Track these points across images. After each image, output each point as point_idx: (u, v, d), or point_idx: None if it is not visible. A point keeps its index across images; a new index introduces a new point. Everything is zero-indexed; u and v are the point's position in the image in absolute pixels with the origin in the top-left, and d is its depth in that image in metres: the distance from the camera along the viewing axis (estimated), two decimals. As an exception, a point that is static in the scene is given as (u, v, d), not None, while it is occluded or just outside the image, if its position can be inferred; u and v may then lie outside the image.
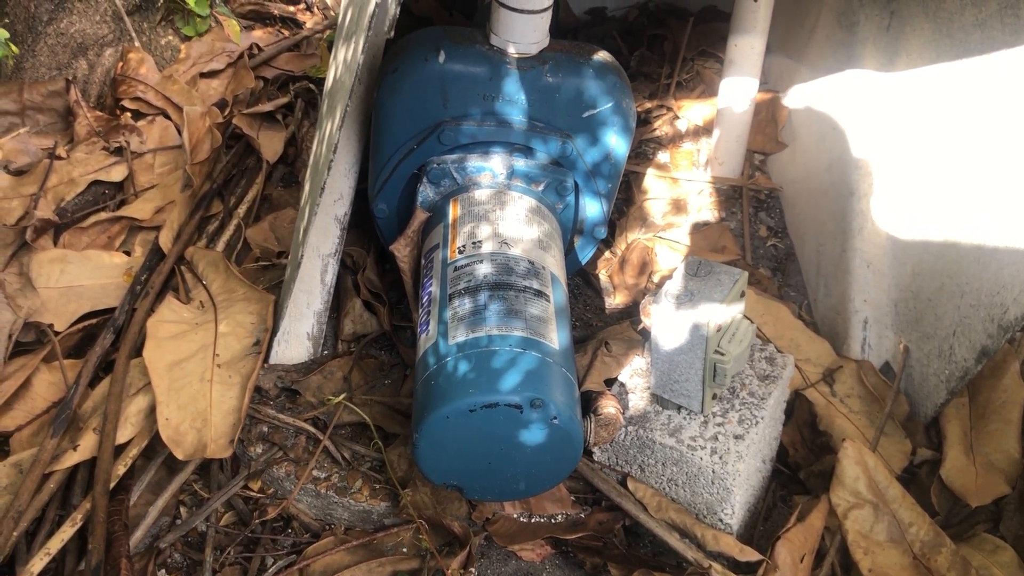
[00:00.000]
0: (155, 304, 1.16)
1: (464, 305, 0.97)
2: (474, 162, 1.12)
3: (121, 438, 1.00)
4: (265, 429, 1.14)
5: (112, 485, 0.97)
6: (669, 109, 1.67)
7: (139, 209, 1.31)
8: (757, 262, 1.49)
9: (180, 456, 0.96)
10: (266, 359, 1.08)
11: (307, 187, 1.12)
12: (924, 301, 1.21)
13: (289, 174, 1.48)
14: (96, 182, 1.35)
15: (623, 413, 1.03)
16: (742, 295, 1.00)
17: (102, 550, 0.89)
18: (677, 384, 1.02)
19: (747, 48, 1.43)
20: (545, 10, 1.04)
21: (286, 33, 1.79)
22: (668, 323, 0.97)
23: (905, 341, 1.24)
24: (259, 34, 1.73)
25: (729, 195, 1.58)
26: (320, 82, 1.61)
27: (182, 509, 1.13)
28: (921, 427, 1.20)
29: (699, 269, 1.00)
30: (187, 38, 1.64)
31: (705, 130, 1.65)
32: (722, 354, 0.96)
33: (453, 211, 1.10)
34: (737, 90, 1.48)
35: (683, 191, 1.56)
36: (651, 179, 1.56)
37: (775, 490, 1.19)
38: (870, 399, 1.23)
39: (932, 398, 1.19)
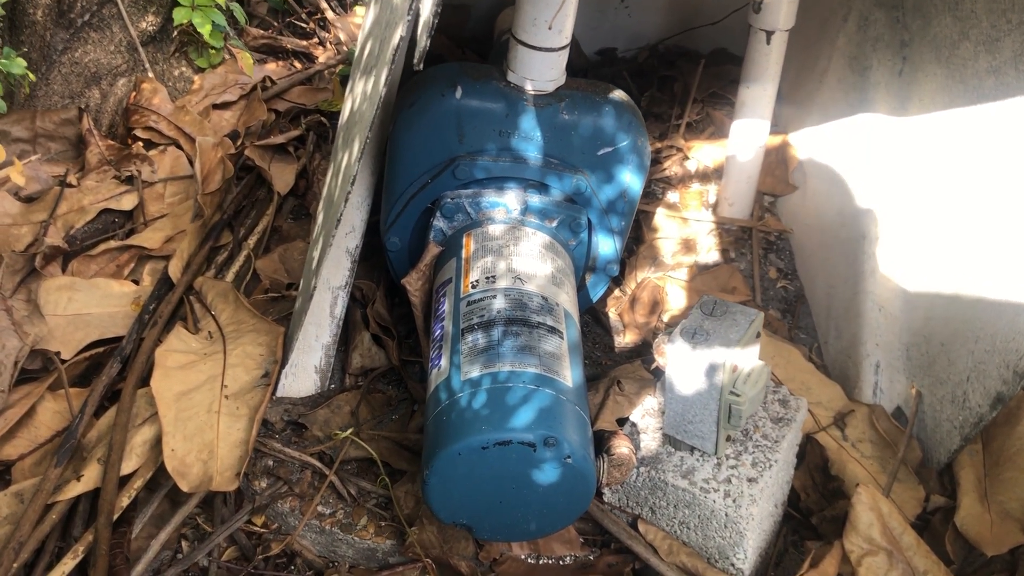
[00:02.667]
0: (163, 334, 1.15)
1: (478, 340, 0.96)
2: (489, 197, 1.12)
3: (126, 469, 0.99)
4: (270, 463, 1.12)
5: (115, 517, 0.95)
6: (679, 149, 1.68)
7: (149, 238, 1.30)
8: (767, 304, 1.48)
9: (185, 488, 0.95)
10: (274, 391, 1.07)
11: (320, 219, 1.12)
12: (937, 346, 1.20)
13: (299, 206, 1.48)
14: (106, 210, 1.35)
15: (636, 453, 1.01)
16: (757, 336, 0.99)
17: (103, 584, 0.87)
18: (691, 425, 1.01)
19: (759, 91, 1.44)
20: (563, 48, 1.05)
21: (299, 67, 1.80)
22: (683, 363, 0.96)
23: (917, 386, 1.23)
24: (272, 67, 1.74)
25: (739, 236, 1.58)
26: (332, 116, 1.62)
27: (183, 543, 1.11)
28: (934, 474, 1.19)
29: (715, 309, 0.99)
30: (200, 70, 1.65)
31: (715, 171, 1.65)
32: (737, 395, 0.95)
33: (467, 246, 1.09)
34: (747, 132, 1.49)
35: (693, 231, 1.56)
36: (661, 218, 1.56)
37: (787, 535, 1.17)
38: (882, 444, 1.22)
39: (945, 444, 1.17)
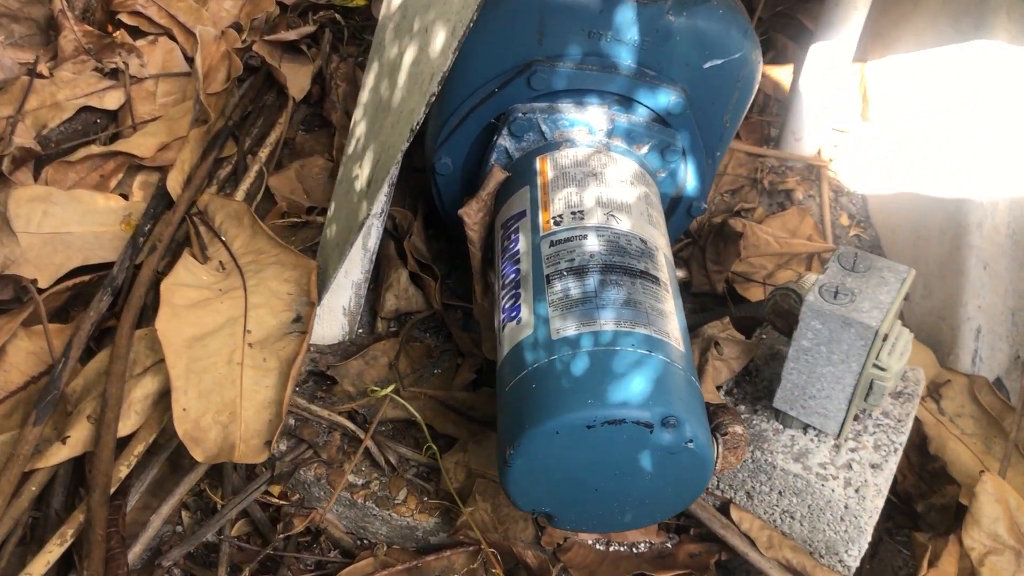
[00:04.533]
0: (164, 263, 0.95)
1: (569, 289, 0.78)
2: (569, 114, 0.92)
3: (123, 430, 0.79)
4: (292, 422, 0.94)
5: (113, 490, 0.76)
6: (739, 74, 1.48)
7: (139, 145, 1.08)
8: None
9: (200, 458, 0.76)
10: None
11: (362, 128, 0.91)
12: (1054, 312, 1.05)
13: (313, 116, 1.26)
14: (86, 108, 1.12)
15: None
16: (906, 296, 0.82)
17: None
18: (812, 400, 0.84)
19: (848, 10, 1.25)
20: (678, -69, 0.84)
21: (304, -44, 1.56)
22: (819, 325, 0.79)
23: (1025, 356, 1.08)
24: (276, -47, 1.49)
25: (804, 175, 1.41)
26: (348, 13, 1.39)
27: (184, 514, 0.93)
28: (1046, 457, 1.04)
29: (857, 262, 0.82)
30: (194, -50, 1.40)
31: (776, 100, 1.46)
32: (883, 369, 0.79)
33: (542, 172, 0.90)
34: (826, 57, 1.30)
35: (755, 168, 1.38)
36: (722, 152, 1.37)
37: (880, 521, 1.02)
38: (985, 420, 1.07)
39: (1060, 424, 1.03)
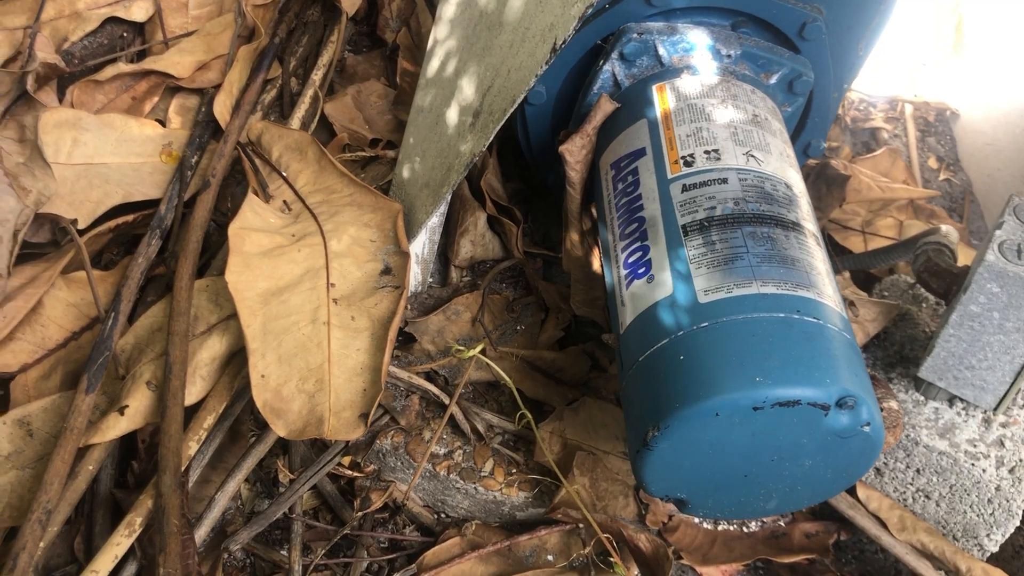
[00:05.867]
0: (218, 204, 0.82)
1: (715, 244, 0.67)
2: (690, 35, 0.80)
3: (189, 398, 0.68)
4: (365, 384, 0.82)
5: (184, 467, 0.65)
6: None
7: (174, 63, 0.94)
8: (931, 200, 1.21)
9: (282, 432, 0.65)
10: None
11: (449, 48, 0.78)
12: None
13: (360, 35, 1.13)
14: (111, 19, 0.98)
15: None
16: (1090, 258, 0.72)
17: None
18: (970, 371, 0.74)
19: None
20: None
21: None
22: (995, 288, 0.69)
23: None
24: None
25: (889, 113, 1.29)
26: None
27: (244, 487, 0.82)
28: None
29: (1037, 217, 0.71)
30: None
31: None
32: (1065, 340, 0.69)
33: (662, 103, 0.78)
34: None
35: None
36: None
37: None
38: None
39: None
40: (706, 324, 0.63)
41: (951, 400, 0.79)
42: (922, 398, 0.79)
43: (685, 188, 0.71)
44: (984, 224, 1.20)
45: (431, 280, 0.92)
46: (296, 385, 0.66)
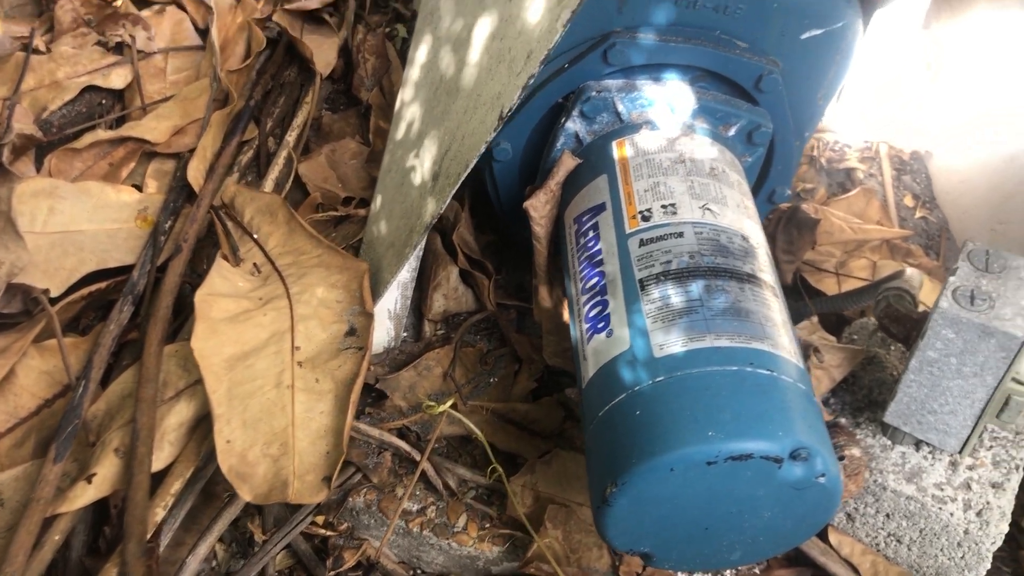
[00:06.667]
0: (194, 265, 0.84)
1: (669, 298, 0.68)
2: (647, 91, 0.81)
3: (157, 464, 0.69)
4: (338, 442, 0.83)
5: (149, 535, 0.66)
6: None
7: (151, 129, 0.97)
8: (907, 239, 1.22)
9: (248, 497, 0.66)
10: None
11: (416, 111, 0.80)
12: None
13: (336, 94, 1.15)
14: (89, 88, 1.00)
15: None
16: (1045, 301, 0.72)
17: (141, 646, 0.58)
18: (933, 415, 0.75)
19: (922, -30, 1.14)
20: None
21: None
22: (951, 334, 0.69)
23: None
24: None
25: (864, 153, 1.31)
26: (372, -22, 1.27)
27: (218, 547, 0.83)
28: None
29: (989, 262, 0.72)
30: (198, -91, 1.27)
31: (829, 72, 1.36)
32: (1022, 383, 0.69)
33: (621, 159, 0.79)
34: (892, 23, 1.20)
35: (811, 145, 1.28)
36: (778, 128, 1.27)
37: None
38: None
39: None
40: (661, 379, 0.64)
41: (918, 444, 0.79)
42: (889, 443, 0.80)
43: (642, 243, 0.72)
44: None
45: (405, 335, 0.94)
46: (261, 449, 0.67)
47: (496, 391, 0.90)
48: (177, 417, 0.71)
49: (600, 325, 0.71)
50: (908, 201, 1.27)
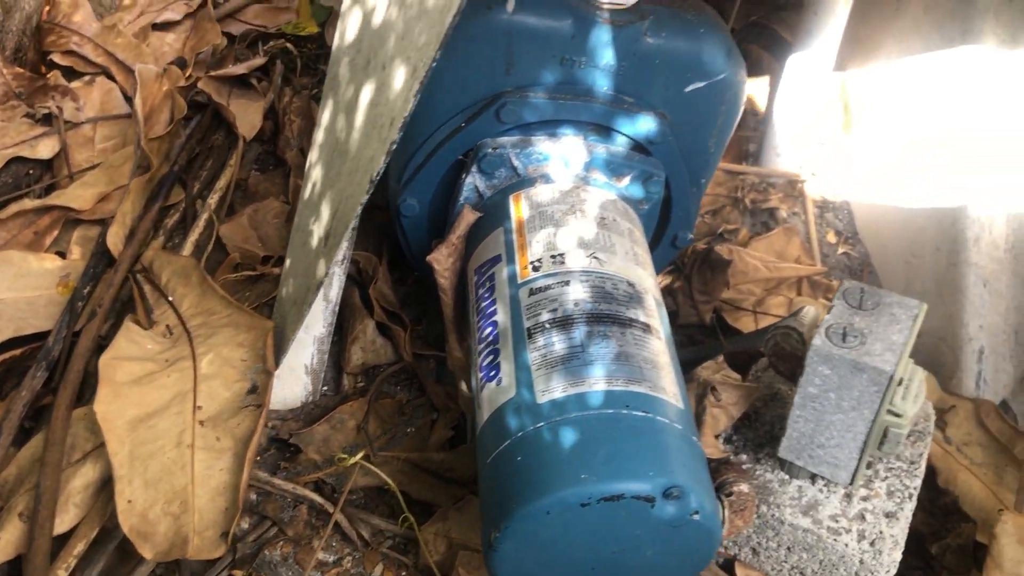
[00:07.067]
0: (108, 326, 0.86)
1: (553, 345, 0.71)
2: (541, 147, 0.85)
3: (61, 527, 0.71)
4: (253, 497, 0.85)
5: (49, 599, 0.68)
6: (714, 89, 1.42)
7: (76, 196, 1.00)
8: (829, 274, 1.25)
9: (149, 555, 0.68)
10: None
11: (318, 173, 0.83)
12: (1062, 329, 0.99)
13: (265, 155, 1.18)
14: (17, 159, 1.04)
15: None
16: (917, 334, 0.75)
17: None
18: (821, 449, 0.77)
19: (827, 16, 1.19)
20: (652, -54, 0.78)
21: (253, -18, 1.48)
22: (826, 371, 0.72)
23: (1033, 377, 1.02)
24: (221, -19, 1.41)
25: (787, 192, 1.34)
26: (301, 42, 1.31)
27: (137, 605, 0.84)
28: (1062, 484, 0.98)
29: (864, 299, 0.75)
30: (132, -19, 1.32)
31: (753, 114, 1.41)
32: (898, 415, 0.72)
33: (517, 211, 0.83)
34: (806, 68, 1.24)
35: (735, 186, 1.32)
36: (701, 171, 1.31)
37: (893, 565, 0.96)
38: (995, 448, 1.01)
39: (1075, 449, 0.97)
40: (541, 424, 0.66)
41: (813, 477, 0.81)
42: (787, 477, 0.82)
43: (532, 292, 0.75)
44: (881, 294, 1.23)
45: (326, 389, 0.96)
46: (162, 508, 0.69)
47: (413, 441, 0.92)
48: (83, 479, 0.73)
49: (492, 373, 0.73)
50: (831, 237, 1.31)
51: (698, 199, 0.94)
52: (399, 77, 0.61)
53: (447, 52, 0.80)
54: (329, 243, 0.71)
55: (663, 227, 0.95)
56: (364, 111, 0.69)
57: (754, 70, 1.45)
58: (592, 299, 0.73)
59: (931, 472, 0.99)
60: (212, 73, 1.13)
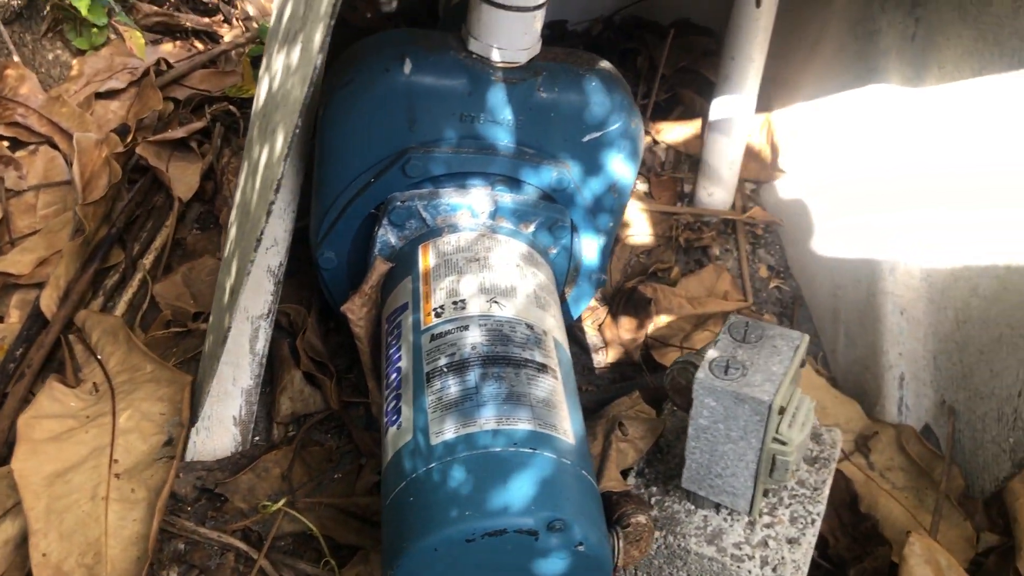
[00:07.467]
0: (36, 387, 0.89)
1: (448, 388, 0.74)
2: (449, 198, 0.89)
3: (-20, 582, 0.73)
4: (181, 546, 0.88)
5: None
6: (647, 133, 1.47)
7: (15, 262, 1.03)
8: (760, 308, 1.29)
9: (63, 606, 0.70)
10: (183, 461, 0.82)
11: (233, 233, 0.87)
12: (974, 354, 1.02)
13: (207, 214, 1.22)
14: (-40, 228, 1.08)
15: (654, 520, 0.80)
16: (802, 365, 0.79)
17: None
18: (719, 479, 0.80)
19: (745, 63, 1.24)
20: (539, 7, 0.83)
21: (200, 47, 1.54)
22: (713, 403, 0.75)
23: (950, 401, 1.05)
24: (168, 48, 1.47)
25: (721, 230, 1.39)
26: (244, 103, 1.36)
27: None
28: (980, 506, 1.01)
29: (748, 333, 0.78)
30: (80, 52, 1.37)
31: (688, 156, 1.45)
32: (784, 443, 0.75)
33: (424, 261, 0.86)
34: (730, 110, 1.29)
35: (670, 226, 1.36)
36: (634, 212, 1.35)
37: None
38: (915, 472, 1.04)
39: (991, 470, 1.00)
40: (432, 465, 0.69)
41: (717, 507, 0.84)
42: (693, 507, 0.85)
43: (433, 338, 0.79)
44: (812, 327, 1.27)
45: (257, 439, 0.99)
46: (76, 560, 0.72)
47: (340, 486, 0.95)
48: (3, 535, 0.76)
49: (394, 418, 0.76)
50: (763, 273, 1.35)
51: (609, 241, 0.98)
52: (279, 141, 0.65)
53: (353, 112, 0.85)
54: (231, 299, 0.75)
55: (577, 270, 0.98)
56: (260, 173, 0.73)
57: (688, 113, 1.50)
58: (489, 342, 0.77)
59: (854, 498, 1.02)
60: (151, 138, 1.18)
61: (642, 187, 1.42)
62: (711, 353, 0.77)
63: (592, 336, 1.18)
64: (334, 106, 0.86)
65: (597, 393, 1.09)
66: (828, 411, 1.10)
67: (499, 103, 0.86)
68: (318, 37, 0.57)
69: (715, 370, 0.75)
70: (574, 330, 1.17)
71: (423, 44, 0.85)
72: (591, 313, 1.21)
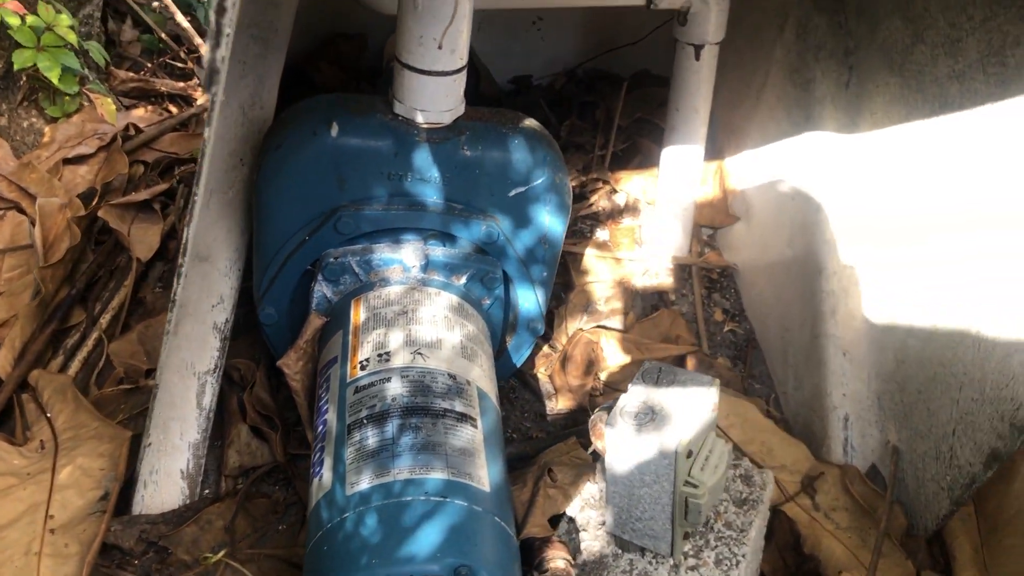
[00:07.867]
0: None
1: (367, 439, 0.76)
2: (381, 253, 0.92)
3: (-84, 638, 0.76)
4: (126, 600, 0.90)
5: None
6: (605, 182, 1.50)
7: (-24, 324, 1.07)
8: (715, 351, 1.31)
9: (-6, 661, 0.72)
10: (121, 512, 0.85)
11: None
12: (913, 393, 1.04)
13: (169, 272, 1.26)
14: (-75, 294, 1.12)
15: (574, 565, 0.82)
16: (714, 407, 0.81)
17: None
18: (640, 523, 0.82)
19: (689, 114, 1.28)
20: (458, 71, 0.86)
21: (175, 111, 1.59)
22: (626, 448, 0.78)
23: (894, 440, 1.07)
24: (140, 113, 1.52)
25: (677, 275, 1.41)
26: (209, 164, 1.41)
27: None
28: (922, 543, 1.02)
29: (660, 378, 0.81)
30: (53, 119, 1.43)
31: (646, 204, 1.48)
32: (695, 486, 0.77)
33: (355, 315, 0.89)
34: (680, 159, 1.32)
35: (627, 272, 1.38)
36: (591, 260, 1.38)
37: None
38: (859, 512, 1.05)
39: (932, 508, 1.01)
40: (346, 515, 0.72)
41: (642, 550, 0.85)
42: (620, 551, 0.86)
43: (357, 390, 0.81)
44: (765, 369, 1.29)
45: (207, 492, 1.01)
46: (8, 614, 0.74)
47: (284, 538, 0.97)
48: (-59, 591, 0.78)
49: (317, 469, 0.79)
50: (718, 316, 1.37)
51: (545, 291, 1.01)
52: (198, 201, 0.68)
53: (285, 173, 0.89)
54: (162, 352, 0.78)
55: (515, 319, 1.01)
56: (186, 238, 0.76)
57: (645, 162, 1.53)
58: (409, 393, 0.79)
59: (797, 539, 1.03)
60: (113, 201, 1.22)
61: (601, 235, 1.45)
62: (622, 400, 0.79)
63: (544, 383, 1.20)
64: (268, 168, 0.90)
65: (547, 440, 1.10)
66: (775, 453, 1.11)
67: (425, 162, 0.89)
68: (215, 113, 0.60)
69: (626, 416, 0.77)
70: (527, 377, 1.19)
71: (351, 108, 0.89)
72: (545, 360, 1.23)
